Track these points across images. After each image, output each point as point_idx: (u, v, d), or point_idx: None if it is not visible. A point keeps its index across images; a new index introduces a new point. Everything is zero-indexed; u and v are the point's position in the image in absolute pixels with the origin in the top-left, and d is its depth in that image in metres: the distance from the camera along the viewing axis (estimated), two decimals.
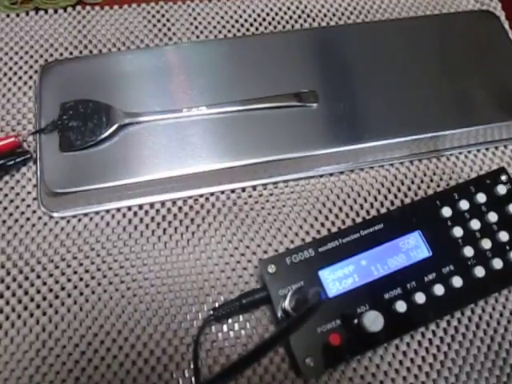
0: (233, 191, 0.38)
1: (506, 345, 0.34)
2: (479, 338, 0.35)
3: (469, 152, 0.41)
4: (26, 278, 0.34)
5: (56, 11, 0.44)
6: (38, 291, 0.34)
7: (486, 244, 0.34)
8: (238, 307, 0.33)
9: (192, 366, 0.32)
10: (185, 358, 0.33)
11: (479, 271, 0.33)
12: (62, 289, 0.34)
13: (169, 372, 0.32)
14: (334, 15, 0.46)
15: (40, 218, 0.36)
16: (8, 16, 0.43)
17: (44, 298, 0.34)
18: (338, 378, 0.33)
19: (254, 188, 0.38)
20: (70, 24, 0.43)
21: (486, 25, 0.43)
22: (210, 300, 0.34)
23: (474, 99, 0.40)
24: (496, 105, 0.40)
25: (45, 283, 0.34)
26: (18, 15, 0.44)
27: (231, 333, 0.34)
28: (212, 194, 0.38)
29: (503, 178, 0.36)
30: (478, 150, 0.41)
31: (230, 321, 0.34)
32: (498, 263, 0.33)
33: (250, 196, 0.38)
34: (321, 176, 0.39)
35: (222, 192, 0.38)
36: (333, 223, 0.37)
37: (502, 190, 0.35)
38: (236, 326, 0.34)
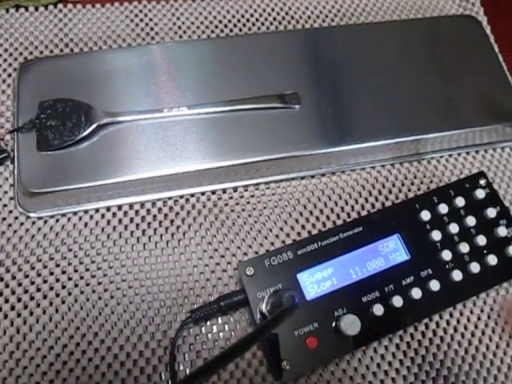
0: (213, 192, 0.38)
1: (483, 348, 0.35)
2: (457, 342, 0.35)
3: (450, 156, 0.41)
4: (1, 279, 0.34)
5: (37, 9, 0.43)
6: (13, 292, 0.33)
7: (464, 248, 0.34)
8: (216, 310, 0.32)
9: (169, 369, 0.32)
10: (162, 360, 0.32)
11: (457, 275, 0.33)
12: (38, 290, 0.34)
13: (145, 375, 0.32)
14: (317, 17, 0.46)
15: (16, 217, 0.36)
16: None
17: (19, 300, 0.33)
18: (316, 381, 0.33)
19: (235, 189, 0.38)
20: (51, 22, 0.43)
21: (468, 29, 0.44)
22: (189, 302, 0.34)
23: (456, 103, 0.40)
24: (477, 109, 0.40)
25: (20, 284, 0.34)
26: None
27: (209, 335, 0.33)
28: (192, 195, 0.37)
29: (482, 182, 0.36)
30: (459, 154, 0.41)
31: (208, 323, 0.34)
32: (475, 267, 0.33)
33: (230, 197, 0.38)
34: (302, 178, 0.39)
35: (203, 193, 0.38)
36: (314, 225, 0.37)
37: (480, 194, 0.36)
38: (214, 329, 0.33)
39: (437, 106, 0.40)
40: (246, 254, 0.36)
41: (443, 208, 0.35)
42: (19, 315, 0.33)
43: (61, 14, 0.43)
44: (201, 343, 0.33)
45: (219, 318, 0.34)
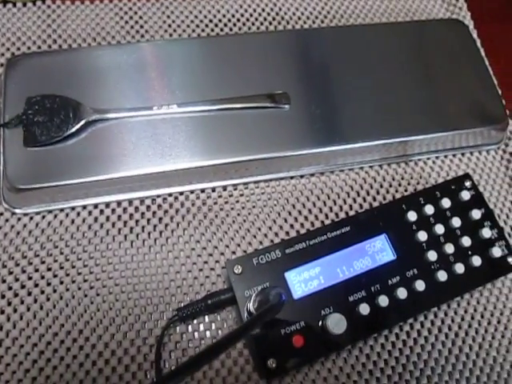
0: (203, 191, 0.38)
1: (466, 349, 0.35)
2: (441, 342, 0.35)
3: (436, 158, 0.42)
4: None
5: (25, 4, 0.43)
6: None
7: (450, 249, 0.34)
8: (203, 308, 0.32)
9: (154, 367, 0.32)
10: (147, 358, 0.32)
11: (442, 275, 0.34)
12: (23, 287, 0.33)
13: (130, 373, 0.32)
14: (308, 18, 0.46)
15: (1, 214, 0.35)
16: None
17: (3, 296, 0.33)
18: (301, 379, 0.33)
19: (225, 188, 0.38)
20: (39, 18, 0.42)
21: (455, 33, 0.44)
22: (176, 300, 0.34)
23: (443, 106, 0.41)
24: (464, 112, 0.41)
25: (4, 281, 0.33)
26: None
27: (196, 334, 0.33)
28: (181, 193, 0.37)
29: (467, 184, 0.37)
30: (445, 156, 0.42)
31: (195, 321, 0.33)
32: (460, 268, 0.34)
33: (219, 196, 0.38)
34: (291, 178, 0.39)
35: (192, 191, 0.37)
36: (302, 225, 0.37)
37: (466, 195, 0.36)
38: (201, 327, 0.33)
39: (424, 108, 0.41)
40: (234, 252, 0.36)
41: (429, 209, 0.35)
42: (3, 312, 0.32)
43: (49, 10, 0.43)
44: (187, 341, 0.33)
45: (206, 317, 0.34)
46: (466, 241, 0.35)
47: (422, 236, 0.34)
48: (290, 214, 0.38)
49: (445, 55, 0.43)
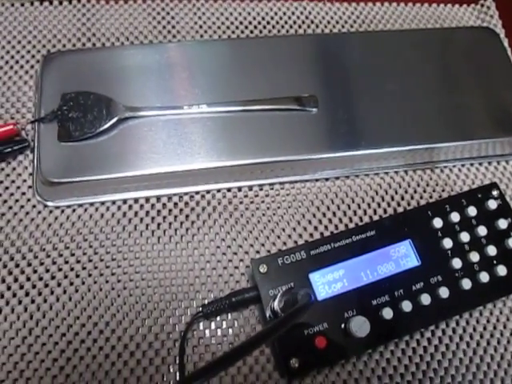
0: (229, 190, 0.38)
1: (487, 358, 0.35)
2: (462, 350, 0.35)
3: (462, 166, 0.42)
4: (17, 266, 0.34)
5: (61, 2, 0.44)
6: (28, 279, 0.34)
7: (474, 257, 0.34)
8: (227, 305, 0.33)
9: (177, 361, 0.32)
10: (171, 353, 0.33)
11: (466, 283, 0.33)
12: (53, 278, 0.34)
13: (154, 366, 0.32)
14: (337, 23, 0.46)
15: (34, 206, 0.36)
16: (12, 5, 0.43)
17: (34, 286, 0.34)
18: (321, 381, 0.33)
19: (250, 188, 0.38)
20: (75, 16, 0.43)
21: (485, 41, 0.44)
22: (200, 297, 0.35)
23: (471, 114, 0.41)
24: (492, 121, 0.41)
25: (35, 271, 0.34)
26: (22, 4, 0.44)
27: (218, 330, 0.34)
28: (208, 191, 0.38)
29: (494, 193, 0.36)
30: (472, 164, 0.42)
31: (218, 318, 0.34)
32: (484, 277, 0.34)
33: (245, 196, 0.38)
34: (316, 180, 0.39)
35: (218, 190, 0.38)
36: (326, 227, 0.38)
37: (492, 204, 0.36)
38: (224, 324, 0.34)
39: (452, 116, 0.41)
40: (258, 252, 0.36)
41: (455, 216, 0.35)
42: (33, 301, 0.33)
43: (84, 8, 0.44)
44: (210, 338, 0.33)
45: (229, 314, 0.34)
46: (492, 250, 0.35)
47: (447, 243, 0.34)
48: (314, 216, 0.38)
49: (474, 63, 0.43)
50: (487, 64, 0.43)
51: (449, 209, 0.36)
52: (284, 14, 0.46)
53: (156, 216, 0.37)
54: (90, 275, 0.34)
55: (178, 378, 0.32)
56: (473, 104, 0.41)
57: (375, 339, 0.32)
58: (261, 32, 0.45)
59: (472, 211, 0.36)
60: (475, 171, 0.42)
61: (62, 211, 0.36)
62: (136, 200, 0.37)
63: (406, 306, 0.32)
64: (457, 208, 0.36)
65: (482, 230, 0.35)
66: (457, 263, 0.34)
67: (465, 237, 0.35)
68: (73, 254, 0.35)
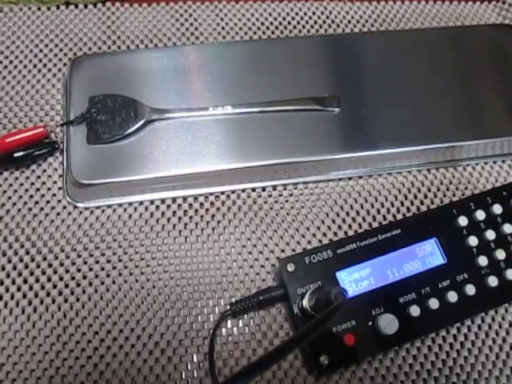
0: (253, 190, 0.39)
1: None
2: (488, 347, 0.35)
3: (485, 163, 0.42)
4: (50, 266, 0.35)
5: (86, 6, 0.45)
6: (61, 278, 0.35)
7: (500, 255, 0.34)
8: (254, 303, 0.33)
9: (207, 358, 0.33)
10: (200, 350, 0.34)
11: (492, 281, 0.34)
12: (84, 277, 0.35)
13: (184, 363, 0.33)
14: (358, 22, 0.47)
15: (65, 207, 0.37)
16: (39, 9, 0.44)
17: (66, 286, 0.35)
18: (349, 377, 0.33)
19: (275, 188, 0.39)
20: (100, 19, 0.44)
21: (507, 39, 0.44)
22: (227, 295, 0.35)
23: (493, 112, 0.41)
24: None
25: (67, 271, 0.35)
26: (48, 9, 0.44)
27: (246, 328, 0.34)
28: (233, 191, 0.38)
29: None
30: (495, 162, 0.42)
31: (245, 316, 0.35)
32: (511, 274, 0.34)
33: (270, 195, 0.39)
34: (340, 179, 0.40)
35: (243, 190, 0.39)
36: (350, 226, 0.38)
37: None
38: (251, 322, 0.35)
39: (473, 114, 0.41)
40: (283, 251, 0.37)
41: (480, 214, 0.35)
42: (66, 300, 0.34)
43: (109, 11, 0.45)
44: (238, 335, 0.34)
45: (256, 312, 0.35)
46: None
47: (473, 241, 0.35)
48: (337, 215, 0.39)
49: (496, 60, 0.43)
50: (509, 61, 0.43)
51: (473, 207, 0.36)
52: (305, 14, 0.47)
53: (183, 216, 0.37)
54: (120, 275, 0.35)
55: (208, 373, 0.33)
56: (495, 101, 0.41)
57: (403, 336, 0.32)
58: (282, 33, 0.46)
59: (497, 209, 0.36)
60: (498, 169, 0.42)
61: (92, 212, 0.37)
62: (163, 200, 0.38)
63: (433, 303, 0.32)
64: (482, 206, 0.36)
65: (508, 228, 0.35)
66: (483, 261, 0.34)
67: (490, 235, 0.35)
68: (103, 254, 0.36)
